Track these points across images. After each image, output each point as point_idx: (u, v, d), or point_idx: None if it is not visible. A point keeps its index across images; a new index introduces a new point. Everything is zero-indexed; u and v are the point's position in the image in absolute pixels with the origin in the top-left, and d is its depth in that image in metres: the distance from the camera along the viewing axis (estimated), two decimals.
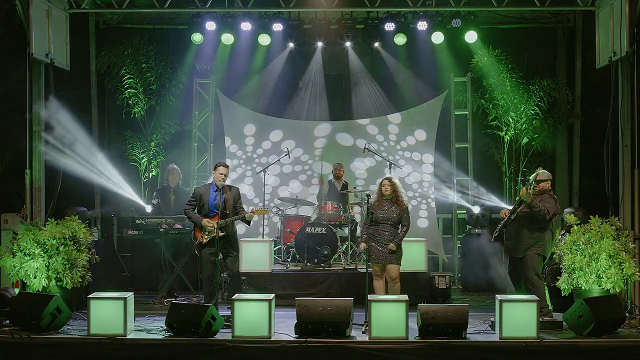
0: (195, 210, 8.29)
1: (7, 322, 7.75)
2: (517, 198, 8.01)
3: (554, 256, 8.44)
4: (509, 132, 11.39)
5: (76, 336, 7.40)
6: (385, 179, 8.33)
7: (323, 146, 11.88)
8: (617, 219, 8.50)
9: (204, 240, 8.16)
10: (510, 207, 8.09)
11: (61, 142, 9.36)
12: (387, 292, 8.18)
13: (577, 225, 8.33)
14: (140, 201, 10.97)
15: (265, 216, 10.87)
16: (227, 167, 8.41)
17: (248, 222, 8.45)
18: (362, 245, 8.29)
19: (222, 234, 8.12)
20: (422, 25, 10.61)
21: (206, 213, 8.25)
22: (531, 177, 8.02)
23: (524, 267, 7.87)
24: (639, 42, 8.70)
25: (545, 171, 8.18)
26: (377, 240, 8.16)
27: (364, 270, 8.26)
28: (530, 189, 7.83)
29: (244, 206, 8.57)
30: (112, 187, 10.72)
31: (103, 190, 11.30)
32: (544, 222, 7.80)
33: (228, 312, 7.80)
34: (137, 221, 9.48)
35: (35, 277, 8.21)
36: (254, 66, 11.97)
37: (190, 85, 11.94)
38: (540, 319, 7.34)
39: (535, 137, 11.37)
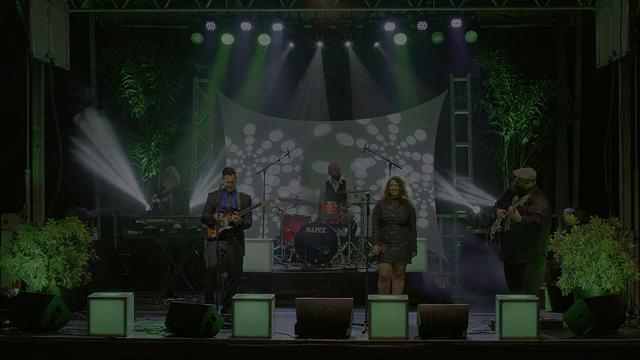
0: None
1: (7, 322, 7.75)
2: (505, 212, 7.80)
3: (554, 256, 8.43)
4: (509, 132, 11.38)
5: (76, 336, 7.40)
6: (392, 178, 8.18)
7: (312, 145, 11.87)
8: (617, 219, 8.50)
9: (214, 235, 8.20)
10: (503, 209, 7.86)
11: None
12: (391, 292, 8.17)
13: (577, 225, 8.32)
14: (141, 199, 11.02)
15: (265, 216, 10.89)
16: (231, 174, 8.42)
17: (240, 226, 8.42)
18: (377, 248, 8.06)
19: (230, 227, 8.22)
20: (422, 25, 10.59)
21: (217, 214, 8.32)
22: (512, 186, 7.98)
23: (527, 269, 7.83)
24: (639, 42, 8.70)
25: (523, 172, 7.96)
26: (385, 240, 8.08)
27: (364, 270, 8.24)
28: (518, 202, 7.81)
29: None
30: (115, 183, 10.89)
31: (103, 189, 11.35)
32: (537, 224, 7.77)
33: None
34: (137, 221, 9.47)
35: (35, 277, 8.21)
36: (254, 66, 11.95)
37: (190, 85, 11.94)
38: (541, 319, 7.34)
39: (535, 137, 11.37)
